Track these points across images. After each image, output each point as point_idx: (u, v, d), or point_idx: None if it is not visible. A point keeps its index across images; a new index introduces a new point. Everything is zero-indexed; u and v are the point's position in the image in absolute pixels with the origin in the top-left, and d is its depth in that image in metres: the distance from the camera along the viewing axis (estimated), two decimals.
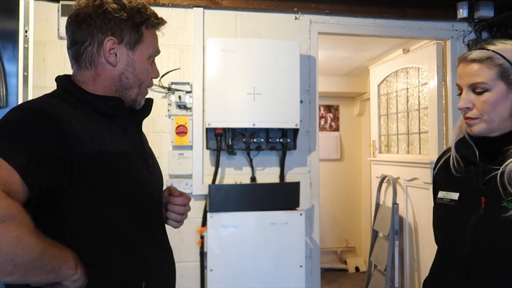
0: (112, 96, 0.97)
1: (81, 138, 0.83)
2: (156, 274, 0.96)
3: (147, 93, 1.05)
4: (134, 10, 0.95)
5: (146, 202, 0.97)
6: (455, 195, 1.09)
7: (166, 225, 1.11)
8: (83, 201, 0.83)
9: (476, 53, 1.05)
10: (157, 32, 1.03)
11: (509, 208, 0.97)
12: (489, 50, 1.03)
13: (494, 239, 0.99)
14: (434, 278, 1.15)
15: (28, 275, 0.70)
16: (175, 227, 1.12)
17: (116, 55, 0.94)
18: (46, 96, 0.93)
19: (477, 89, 1.04)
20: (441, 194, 1.14)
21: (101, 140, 0.88)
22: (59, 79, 0.97)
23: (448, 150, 1.20)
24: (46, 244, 0.72)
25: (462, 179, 1.10)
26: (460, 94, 1.08)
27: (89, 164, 0.83)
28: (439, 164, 1.21)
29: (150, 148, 1.11)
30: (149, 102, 1.07)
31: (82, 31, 0.93)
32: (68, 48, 0.97)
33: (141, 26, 0.96)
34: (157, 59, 1.06)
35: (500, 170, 0.99)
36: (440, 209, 1.14)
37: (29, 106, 0.86)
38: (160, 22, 1.01)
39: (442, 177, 1.18)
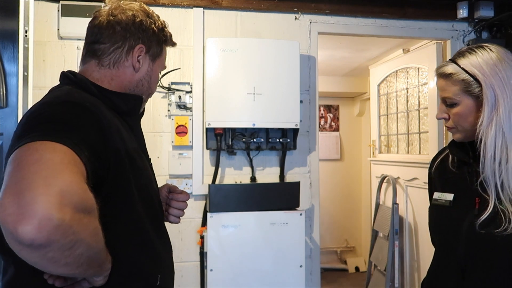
0: (131, 94, 1.01)
1: (113, 134, 0.85)
2: (166, 267, 1.01)
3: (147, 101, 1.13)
4: (160, 27, 1.05)
5: (155, 198, 1.02)
6: (450, 196, 1.10)
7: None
8: (115, 196, 0.85)
9: (442, 68, 1.06)
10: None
11: (503, 209, 0.97)
12: (455, 64, 1.04)
13: (488, 242, 0.98)
14: (432, 279, 1.15)
15: (89, 267, 0.71)
16: (176, 223, 1.15)
17: (140, 62, 1.01)
18: (70, 90, 0.91)
19: (447, 102, 1.06)
20: (436, 195, 1.15)
21: (123, 136, 0.90)
22: (71, 75, 0.96)
23: (444, 149, 1.21)
24: None
25: (456, 180, 1.10)
26: None
27: (120, 159, 0.85)
28: (435, 164, 1.21)
29: None
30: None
31: (116, 33, 0.98)
32: (89, 45, 0.99)
33: (163, 42, 1.07)
34: None
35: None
36: (436, 210, 1.15)
37: (72, 100, 0.84)
38: (174, 44, 1.13)
39: (437, 176, 1.19)
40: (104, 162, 0.80)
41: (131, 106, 1.01)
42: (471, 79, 1.01)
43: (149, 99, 1.13)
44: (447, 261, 1.08)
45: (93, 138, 0.78)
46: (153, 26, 1.02)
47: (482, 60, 1.01)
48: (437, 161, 1.20)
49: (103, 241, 0.72)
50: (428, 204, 1.19)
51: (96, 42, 0.98)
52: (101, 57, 0.98)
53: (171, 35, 1.10)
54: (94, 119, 0.81)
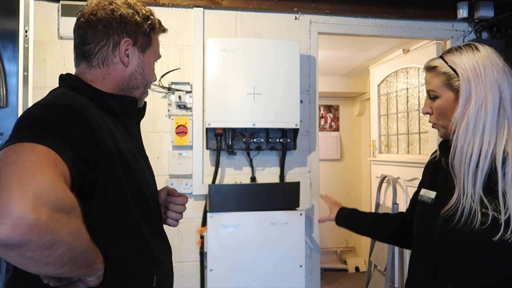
0: (125, 95, 1.01)
1: (104, 136, 0.85)
2: (163, 269, 1.00)
3: (147, 93, 1.11)
4: (145, 16, 1.02)
5: (151, 199, 1.01)
6: (432, 194, 1.13)
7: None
8: (106, 197, 0.85)
9: (429, 62, 1.12)
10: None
11: (471, 205, 0.98)
12: (442, 59, 1.09)
13: (456, 239, 1.01)
14: (410, 274, 1.18)
15: (75, 267, 0.71)
16: (174, 226, 1.15)
17: (128, 56, 1.00)
18: (63, 92, 0.93)
19: (431, 96, 1.11)
20: (422, 191, 1.18)
21: (116, 138, 0.90)
22: (67, 78, 0.98)
23: None
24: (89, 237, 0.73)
25: (440, 179, 1.12)
26: None
27: (111, 161, 0.85)
28: (428, 162, 1.25)
29: None
30: (144, 104, 1.12)
31: (98, 32, 0.97)
32: (77, 47, 1.00)
33: (150, 31, 1.04)
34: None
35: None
36: (419, 207, 1.18)
37: (61, 102, 0.85)
38: (164, 29, 1.10)
39: (428, 174, 1.22)
40: (94, 164, 0.80)
41: (125, 107, 1.01)
42: (452, 72, 1.06)
43: (149, 99, 1.12)
44: (423, 258, 1.10)
45: (80, 140, 0.78)
46: (136, 17, 1.00)
47: (465, 57, 1.05)
48: (429, 159, 1.24)
49: (89, 241, 0.72)
50: None
51: (83, 44, 0.98)
52: (89, 58, 0.98)
53: (159, 22, 1.07)
54: (83, 121, 0.81)
